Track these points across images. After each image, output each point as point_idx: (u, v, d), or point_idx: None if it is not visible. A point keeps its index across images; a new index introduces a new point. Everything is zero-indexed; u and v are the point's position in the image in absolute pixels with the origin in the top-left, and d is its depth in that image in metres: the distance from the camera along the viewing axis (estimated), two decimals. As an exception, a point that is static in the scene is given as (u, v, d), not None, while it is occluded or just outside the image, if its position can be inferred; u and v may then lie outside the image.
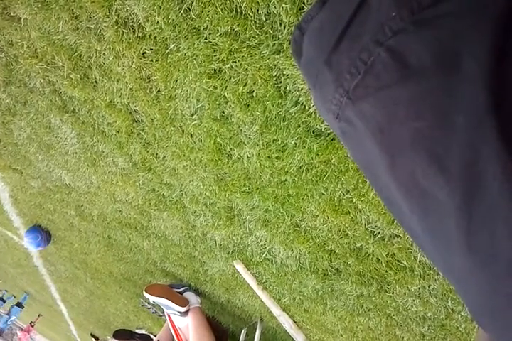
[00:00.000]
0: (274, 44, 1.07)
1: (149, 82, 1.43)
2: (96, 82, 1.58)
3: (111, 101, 1.62)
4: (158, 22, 1.23)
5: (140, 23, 1.28)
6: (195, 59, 1.23)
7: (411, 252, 1.33)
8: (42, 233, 3.40)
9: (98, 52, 1.46)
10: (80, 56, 1.52)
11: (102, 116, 1.73)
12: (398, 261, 1.39)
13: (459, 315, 1.46)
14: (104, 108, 1.66)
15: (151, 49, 1.32)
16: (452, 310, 1.46)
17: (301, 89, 1.12)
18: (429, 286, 1.41)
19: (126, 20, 1.30)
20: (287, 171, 1.37)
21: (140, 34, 1.30)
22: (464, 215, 0.31)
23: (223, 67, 1.20)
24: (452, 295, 1.41)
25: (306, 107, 1.16)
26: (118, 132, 1.74)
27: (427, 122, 0.33)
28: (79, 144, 2.00)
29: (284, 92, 1.16)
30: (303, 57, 0.46)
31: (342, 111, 0.40)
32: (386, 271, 1.44)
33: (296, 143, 1.27)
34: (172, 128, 1.53)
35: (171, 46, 1.25)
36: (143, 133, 1.66)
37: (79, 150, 2.05)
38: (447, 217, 0.33)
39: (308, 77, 0.46)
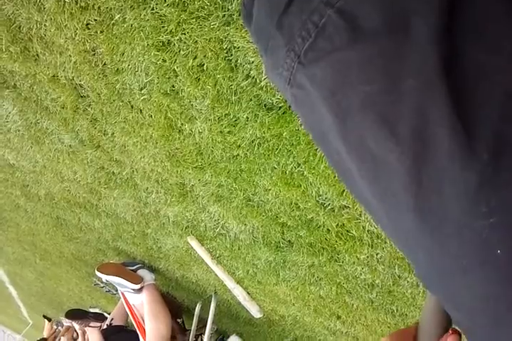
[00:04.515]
0: (223, 15, 1.05)
1: (94, 54, 1.37)
2: (37, 55, 1.51)
3: (54, 76, 1.55)
4: (101, -9, 1.18)
5: (82, -8, 1.22)
6: (142, 30, 1.19)
7: (360, 222, 1.38)
8: (-15, 215, 3.26)
9: (38, 23, 1.38)
10: (19, 28, 1.43)
11: (45, 92, 1.65)
12: (347, 231, 1.43)
13: (406, 281, 1.54)
14: (47, 83, 1.59)
15: (95, 20, 1.26)
16: (399, 276, 1.53)
17: (252, 62, 1.12)
18: (377, 254, 1.47)
19: (68, -12, 1.24)
20: (239, 146, 1.38)
21: (83, 4, 1.24)
22: (412, 179, 0.32)
23: (172, 39, 1.17)
24: (399, 263, 1.47)
25: (258, 81, 1.16)
26: (63, 108, 1.68)
27: (377, 85, 0.33)
28: (21, 121, 1.91)
29: (235, 65, 1.15)
30: (253, 22, 0.44)
31: (293, 76, 0.39)
32: (336, 241, 1.49)
33: (247, 117, 1.27)
34: (120, 104, 1.49)
35: (116, 17, 1.21)
36: (89, 109, 1.60)
37: (22, 128, 1.96)
38: (397, 180, 0.33)
39: (259, 42, 0.45)
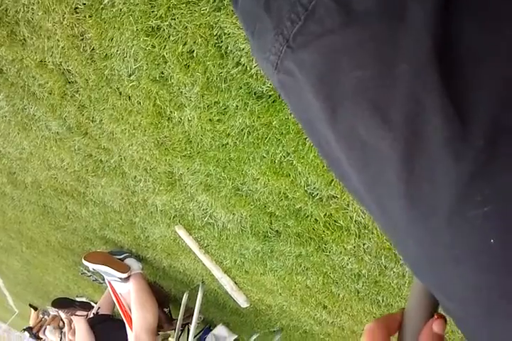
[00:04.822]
0: (214, 0, 1.03)
1: (83, 39, 1.35)
2: (24, 39, 1.48)
3: (41, 61, 1.53)
4: (90, -26, 1.16)
5: (71, -25, 1.20)
6: (131, 15, 1.17)
7: (347, 212, 1.38)
8: (-29, 202, 3.22)
9: (26, 6, 1.35)
10: (6, 11, 1.41)
11: (33, 77, 1.63)
12: (335, 221, 1.44)
13: (392, 272, 1.55)
14: (34, 68, 1.57)
15: (84, 4, 1.24)
16: (385, 267, 1.54)
17: (243, 49, 1.11)
18: (364, 245, 1.48)
19: (56, -29, 1.21)
20: (229, 134, 1.37)
21: (71, -13, 1.23)
22: (405, 167, 0.31)
23: (161, 25, 1.16)
24: (386, 253, 1.48)
25: (248, 68, 1.15)
26: (50, 94, 1.65)
27: (369, 71, 0.32)
28: (8, 107, 1.89)
29: (226, 52, 1.14)
30: (240, 3, 0.43)
31: (281, 61, 0.38)
32: (323, 231, 1.49)
33: (237, 106, 1.26)
34: (109, 90, 1.47)
35: (106, 1, 1.19)
36: (77, 95, 1.58)
37: (8, 114, 1.93)
38: (388, 169, 0.33)
39: (245, 24, 0.43)
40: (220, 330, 2.72)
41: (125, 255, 2.60)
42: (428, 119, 0.29)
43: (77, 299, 3.25)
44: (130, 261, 2.55)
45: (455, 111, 0.28)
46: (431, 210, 0.31)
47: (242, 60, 1.14)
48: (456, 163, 0.29)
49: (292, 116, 1.19)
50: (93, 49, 1.36)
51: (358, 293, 1.75)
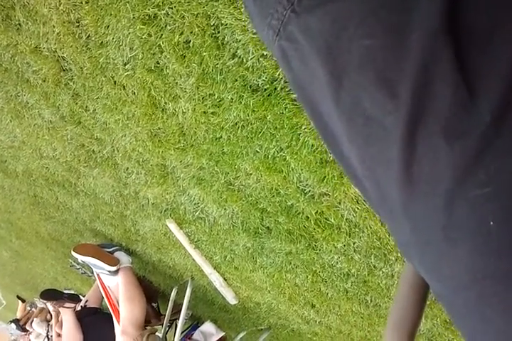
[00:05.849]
0: (212, -11, 1.02)
1: (78, 26, 1.33)
2: (19, 24, 1.46)
3: (36, 47, 1.51)
4: (88, -41, 1.14)
5: (69, -40, 1.18)
6: (128, 2, 1.16)
7: (338, 210, 1.37)
8: (-39, 190, 3.19)
9: (22, -10, 1.34)
10: (2, -5, 1.39)
11: (27, 63, 1.61)
12: (326, 218, 1.43)
13: (381, 272, 1.54)
14: (28, 54, 1.55)
15: (81, -11, 1.23)
16: (375, 266, 1.53)
17: (240, 41, 1.09)
18: (354, 243, 1.47)
19: (53, -45, 1.20)
20: (222, 127, 1.35)
21: (69, -28, 1.21)
22: (407, 144, 0.30)
23: (158, 13, 1.14)
24: (375, 252, 1.47)
25: (244, 60, 1.13)
26: (44, 81, 1.63)
27: (378, 40, 0.30)
28: (1, 94, 1.86)
29: (222, 43, 1.12)
30: None
31: (284, 26, 0.36)
32: (314, 229, 1.48)
33: (232, 99, 1.24)
34: (103, 79, 1.45)
35: (103, -13, 1.17)
36: (71, 83, 1.56)
37: (1, 101, 1.91)
38: (390, 145, 0.31)
39: None
40: (207, 327, 2.71)
41: (115, 248, 2.59)
42: (436, 90, 0.28)
43: (66, 291, 3.23)
44: (120, 255, 2.54)
45: (465, 83, 0.27)
46: (429, 191, 0.30)
47: (238, 51, 1.12)
48: (461, 138, 0.27)
49: (287, 110, 1.17)
50: (89, 36, 1.34)
51: (347, 292, 1.74)
